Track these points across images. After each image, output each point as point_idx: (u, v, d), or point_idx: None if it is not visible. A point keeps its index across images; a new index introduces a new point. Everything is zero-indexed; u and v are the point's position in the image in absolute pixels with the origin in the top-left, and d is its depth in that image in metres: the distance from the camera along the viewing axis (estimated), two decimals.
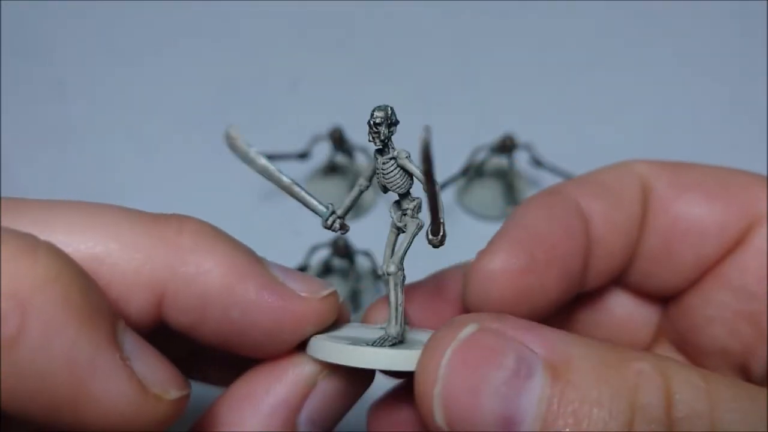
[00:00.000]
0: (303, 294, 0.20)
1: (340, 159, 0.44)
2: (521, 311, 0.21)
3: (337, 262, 0.40)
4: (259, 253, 0.46)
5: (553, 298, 0.23)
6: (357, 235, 0.38)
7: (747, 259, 0.24)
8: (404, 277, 0.21)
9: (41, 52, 0.53)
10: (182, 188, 0.45)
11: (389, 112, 0.20)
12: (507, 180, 0.43)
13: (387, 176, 0.20)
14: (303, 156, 0.43)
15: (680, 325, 0.26)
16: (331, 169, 0.45)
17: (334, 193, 0.44)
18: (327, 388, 0.21)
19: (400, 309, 0.21)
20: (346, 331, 0.22)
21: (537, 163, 0.43)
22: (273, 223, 0.44)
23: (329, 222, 0.21)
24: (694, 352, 0.26)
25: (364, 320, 0.24)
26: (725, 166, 0.25)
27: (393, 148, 0.20)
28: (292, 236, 0.43)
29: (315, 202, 0.21)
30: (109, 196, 0.44)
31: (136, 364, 0.18)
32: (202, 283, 0.19)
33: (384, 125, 0.20)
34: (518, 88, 0.50)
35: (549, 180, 0.43)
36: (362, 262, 0.40)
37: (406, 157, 0.20)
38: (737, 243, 0.24)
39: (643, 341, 0.27)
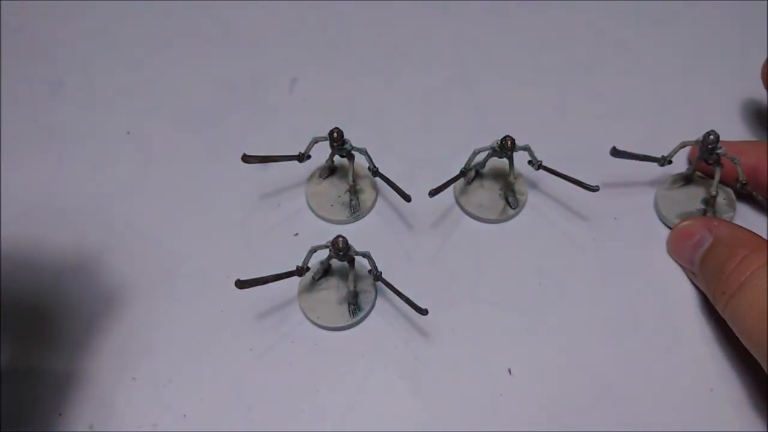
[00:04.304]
0: None
1: (340, 160, 0.44)
2: None
3: (336, 263, 0.40)
4: (259, 253, 0.46)
5: None
6: (356, 236, 0.38)
7: None
8: None
9: (40, 52, 0.53)
10: (182, 188, 0.45)
11: None
12: (507, 181, 0.43)
13: None
14: (302, 157, 0.43)
15: None
16: (331, 170, 0.45)
17: (334, 194, 0.44)
18: None
19: None
20: None
21: (537, 164, 0.43)
22: (273, 223, 0.43)
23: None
24: None
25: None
26: None
27: None
28: (292, 237, 0.43)
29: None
30: (108, 196, 0.45)
31: None
32: None
33: None
34: (518, 89, 0.50)
35: (549, 180, 0.43)
36: (362, 263, 0.40)
37: None
38: None
39: None
